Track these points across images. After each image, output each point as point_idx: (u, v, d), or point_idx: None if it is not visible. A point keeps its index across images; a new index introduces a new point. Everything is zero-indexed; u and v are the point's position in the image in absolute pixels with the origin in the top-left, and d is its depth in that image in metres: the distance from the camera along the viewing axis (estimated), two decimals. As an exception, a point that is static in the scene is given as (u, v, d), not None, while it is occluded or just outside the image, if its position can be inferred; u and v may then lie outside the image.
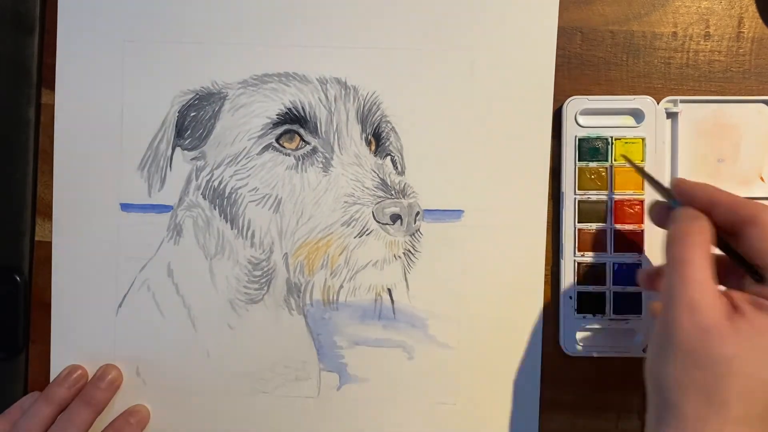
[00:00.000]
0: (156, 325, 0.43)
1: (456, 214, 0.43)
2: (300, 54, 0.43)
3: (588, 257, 0.43)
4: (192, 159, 0.43)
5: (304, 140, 0.42)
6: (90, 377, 0.43)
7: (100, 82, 0.43)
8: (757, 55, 0.44)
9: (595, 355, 0.43)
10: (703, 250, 0.30)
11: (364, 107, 0.43)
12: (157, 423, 0.44)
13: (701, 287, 0.29)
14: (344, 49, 0.43)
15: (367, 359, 0.43)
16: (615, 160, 0.43)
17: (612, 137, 0.43)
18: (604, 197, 0.43)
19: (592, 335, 0.43)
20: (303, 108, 0.42)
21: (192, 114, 0.43)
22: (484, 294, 0.43)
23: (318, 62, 0.43)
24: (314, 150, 0.42)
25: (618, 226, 0.43)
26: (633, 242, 0.43)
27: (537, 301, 0.43)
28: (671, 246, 0.31)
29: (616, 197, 0.43)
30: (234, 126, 0.43)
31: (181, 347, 0.43)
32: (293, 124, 0.42)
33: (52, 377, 0.43)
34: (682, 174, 0.43)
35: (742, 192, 0.43)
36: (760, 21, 0.44)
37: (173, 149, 0.43)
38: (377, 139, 0.43)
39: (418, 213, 0.42)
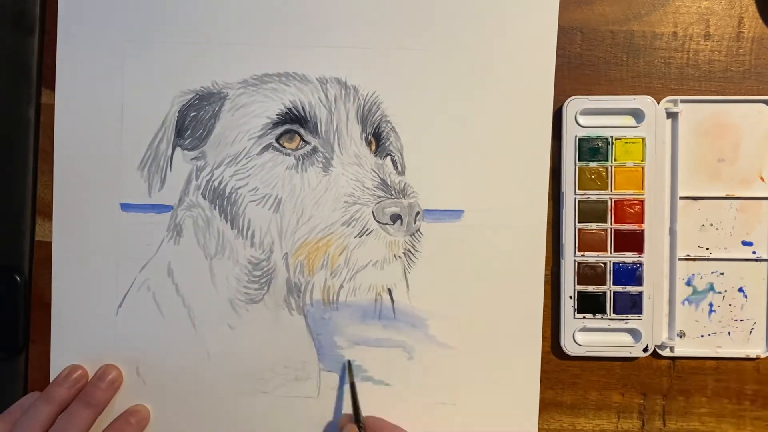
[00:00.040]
0: (156, 325, 0.43)
1: (456, 214, 0.43)
2: (300, 54, 0.43)
3: (588, 257, 0.43)
4: (192, 159, 0.43)
5: (304, 140, 0.42)
6: (90, 377, 0.43)
7: (100, 82, 0.43)
8: (757, 55, 0.44)
9: (595, 355, 0.43)
10: None
11: (364, 107, 0.43)
12: (158, 423, 0.44)
13: None
14: (344, 49, 0.43)
15: (367, 359, 0.43)
16: (615, 160, 0.43)
17: (612, 137, 0.43)
18: (604, 197, 0.43)
19: (592, 335, 0.43)
20: (303, 108, 0.42)
21: (192, 114, 0.43)
22: (484, 294, 0.43)
23: (318, 62, 0.43)
24: (314, 150, 0.42)
25: (618, 226, 0.43)
26: (633, 242, 0.43)
27: (537, 301, 0.43)
28: None
29: (616, 197, 0.43)
30: (234, 126, 0.43)
31: (181, 347, 0.43)
32: (293, 124, 0.42)
33: (52, 377, 0.43)
34: (682, 174, 0.43)
35: (742, 192, 0.43)
36: (760, 21, 0.44)
37: (173, 149, 0.43)
38: (377, 139, 0.43)
39: (418, 213, 0.42)
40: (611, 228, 0.43)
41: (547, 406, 0.44)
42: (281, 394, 0.43)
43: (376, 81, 0.43)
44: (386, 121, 0.43)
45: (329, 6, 0.43)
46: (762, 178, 0.43)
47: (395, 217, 0.42)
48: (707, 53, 0.44)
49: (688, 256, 0.43)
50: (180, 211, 0.43)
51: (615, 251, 0.43)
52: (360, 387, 0.43)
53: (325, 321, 0.43)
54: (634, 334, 0.43)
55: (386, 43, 0.43)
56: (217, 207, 0.43)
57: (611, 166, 0.43)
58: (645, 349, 0.43)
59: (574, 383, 0.44)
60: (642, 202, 0.43)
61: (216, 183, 0.43)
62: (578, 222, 0.43)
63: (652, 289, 0.43)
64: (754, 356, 0.43)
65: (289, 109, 0.42)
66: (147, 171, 0.43)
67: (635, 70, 0.44)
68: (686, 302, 0.43)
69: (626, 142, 0.43)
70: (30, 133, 0.44)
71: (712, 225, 0.43)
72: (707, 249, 0.43)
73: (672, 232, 0.43)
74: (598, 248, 0.43)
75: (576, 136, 0.43)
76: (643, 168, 0.43)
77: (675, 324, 0.43)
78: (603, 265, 0.43)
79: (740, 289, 0.43)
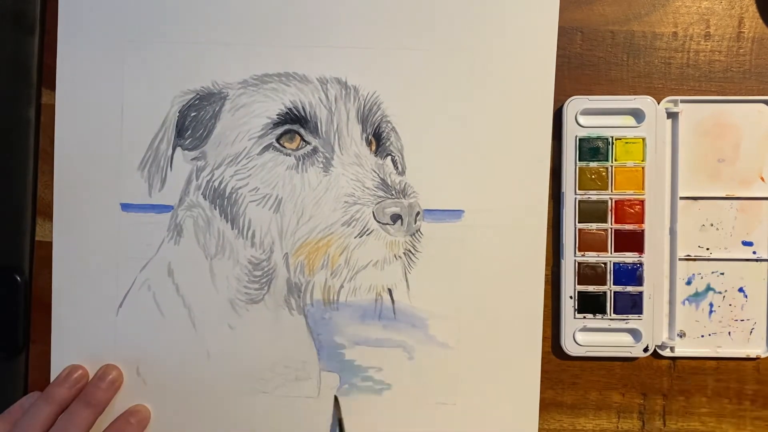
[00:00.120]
0: (156, 325, 0.43)
1: (456, 214, 0.43)
2: (300, 54, 0.43)
3: (588, 257, 0.43)
4: (192, 159, 0.43)
5: (304, 140, 0.42)
6: (90, 377, 0.43)
7: (100, 82, 0.43)
8: (757, 55, 0.44)
9: (595, 355, 0.43)
10: None
11: (364, 107, 0.43)
12: (158, 423, 0.44)
13: None
14: (344, 49, 0.43)
15: (367, 359, 0.43)
16: (615, 160, 0.43)
17: (612, 137, 0.43)
18: (604, 197, 0.43)
19: (592, 335, 0.43)
20: (303, 108, 0.42)
21: (192, 114, 0.43)
22: (484, 294, 0.43)
23: (318, 62, 0.43)
24: (315, 150, 0.42)
25: (618, 226, 0.43)
26: (633, 242, 0.43)
27: (537, 301, 0.43)
28: None
29: (617, 197, 0.43)
30: (234, 126, 0.43)
31: (181, 347, 0.43)
32: (294, 124, 0.42)
33: (52, 377, 0.43)
34: (682, 174, 0.43)
35: (742, 192, 0.43)
36: (761, 21, 0.44)
37: (174, 149, 0.43)
38: (378, 139, 0.43)
39: (418, 213, 0.42)
40: (611, 228, 0.43)
41: (547, 406, 0.44)
42: (281, 394, 0.43)
43: (377, 81, 0.43)
44: (386, 121, 0.43)
45: (329, 6, 0.43)
46: (762, 178, 0.43)
47: (395, 217, 0.42)
48: (707, 53, 0.44)
49: (688, 256, 0.43)
50: (180, 211, 0.43)
51: (615, 251, 0.43)
52: (360, 387, 0.43)
53: (326, 321, 0.43)
54: (635, 334, 0.43)
55: (386, 43, 0.43)
56: (217, 207, 0.43)
57: (611, 166, 0.43)
58: (645, 349, 0.43)
59: (575, 383, 0.44)
60: (642, 202, 0.43)
61: (216, 183, 0.43)
62: (578, 222, 0.43)
63: (653, 289, 0.43)
64: (754, 356, 0.43)
65: (290, 109, 0.42)
66: (147, 171, 0.43)
67: (635, 70, 0.44)
68: (686, 302, 0.43)
69: (626, 142, 0.43)
70: (30, 133, 0.44)
71: (712, 225, 0.43)
72: (707, 249, 0.43)
73: (672, 232, 0.43)
74: (598, 248, 0.43)
75: (576, 136, 0.43)
76: (643, 168, 0.43)
77: (675, 324, 0.43)
78: (603, 265, 0.43)
79: (740, 289, 0.43)
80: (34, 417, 0.39)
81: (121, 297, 0.43)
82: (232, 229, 0.43)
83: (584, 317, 0.43)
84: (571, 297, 0.43)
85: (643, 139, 0.43)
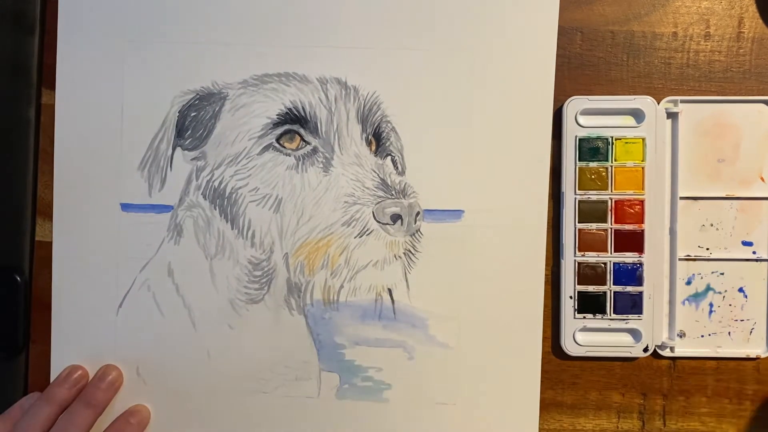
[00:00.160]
0: (156, 325, 0.43)
1: (456, 214, 0.43)
2: (300, 54, 0.43)
3: (588, 257, 0.43)
4: (192, 159, 0.43)
5: (304, 140, 0.42)
6: (90, 377, 0.43)
7: (100, 82, 0.43)
8: (757, 55, 0.44)
9: (595, 355, 0.43)
10: None
11: (364, 107, 0.43)
12: (158, 423, 0.44)
13: None
14: (344, 49, 0.43)
15: (367, 359, 0.43)
16: (615, 160, 0.43)
17: (612, 137, 0.43)
18: (604, 197, 0.43)
19: (592, 335, 0.43)
20: (303, 108, 0.42)
21: (192, 114, 0.43)
22: (484, 294, 0.43)
23: (318, 62, 0.43)
24: (314, 150, 0.42)
25: (618, 226, 0.43)
26: (633, 242, 0.43)
27: (537, 301, 0.43)
28: None
29: (617, 197, 0.43)
30: (234, 126, 0.43)
31: (181, 347, 0.43)
32: (293, 124, 0.42)
33: (52, 377, 0.43)
34: (682, 174, 0.43)
35: (742, 192, 0.43)
36: (761, 21, 0.44)
37: (174, 149, 0.43)
38: (377, 139, 0.43)
39: (418, 213, 0.42)
40: (611, 228, 0.43)
41: (547, 406, 0.44)
42: (281, 394, 0.43)
43: (376, 81, 0.43)
44: (386, 121, 0.43)
45: (329, 6, 0.43)
46: (762, 178, 0.43)
47: (395, 217, 0.42)
48: (707, 53, 0.44)
49: (688, 256, 0.43)
50: (180, 211, 0.43)
51: (615, 251, 0.43)
52: (360, 387, 0.43)
53: (326, 321, 0.43)
54: (635, 334, 0.43)
55: (386, 43, 0.43)
56: (217, 207, 0.43)
57: (611, 166, 0.43)
58: (645, 349, 0.43)
59: (575, 383, 0.44)
60: (642, 202, 0.43)
61: (216, 183, 0.43)
62: (578, 222, 0.43)
63: (653, 289, 0.43)
64: (754, 356, 0.43)
65: (290, 109, 0.42)
66: (147, 171, 0.43)
67: (635, 70, 0.44)
68: (686, 302, 0.43)
69: (626, 142, 0.43)
70: (30, 133, 0.44)
71: (712, 225, 0.43)
72: (707, 249, 0.43)
73: (672, 232, 0.43)
74: (598, 248, 0.43)
75: (576, 136, 0.43)
76: (643, 168, 0.43)
77: (675, 324, 0.43)
78: (603, 265, 0.43)
79: (740, 289, 0.43)
80: (34, 417, 0.39)
81: (121, 297, 0.43)
82: (232, 229, 0.43)
83: (584, 317, 0.43)
84: (571, 297, 0.43)
85: (643, 139, 0.43)
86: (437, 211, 0.43)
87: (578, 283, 0.43)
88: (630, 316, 0.43)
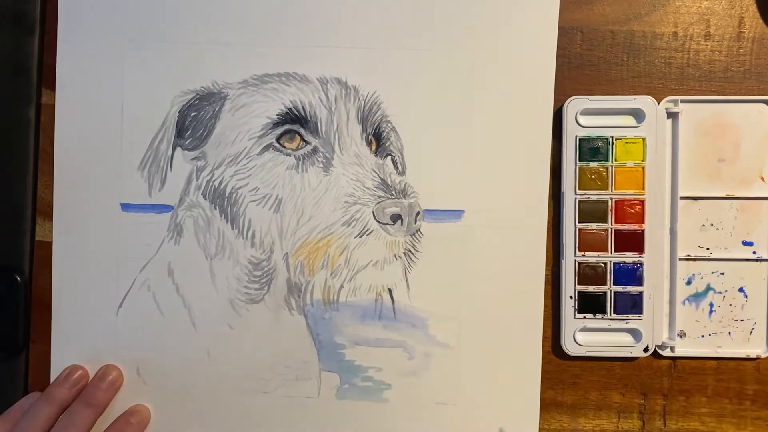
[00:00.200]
0: (156, 325, 0.43)
1: (456, 214, 0.43)
2: (300, 54, 0.43)
3: (588, 257, 0.43)
4: (192, 159, 0.43)
5: (304, 140, 0.42)
6: (90, 377, 0.43)
7: (100, 82, 0.43)
8: (757, 55, 0.44)
9: (595, 355, 0.43)
10: None
11: (364, 107, 0.43)
12: (158, 423, 0.43)
13: None
14: (344, 49, 0.43)
15: (367, 359, 0.43)
16: (616, 160, 0.43)
17: (612, 137, 0.43)
18: (604, 197, 0.43)
19: (592, 335, 0.43)
20: (303, 108, 0.42)
21: (192, 114, 0.43)
22: (484, 294, 0.43)
23: (318, 62, 0.43)
24: (315, 150, 0.42)
25: (618, 226, 0.43)
26: (633, 242, 0.43)
27: (537, 301, 0.43)
28: None
29: (617, 197, 0.43)
30: (234, 126, 0.43)
31: (181, 347, 0.43)
32: (294, 124, 0.42)
33: (52, 377, 0.43)
34: (682, 174, 0.43)
35: (742, 192, 0.43)
36: (761, 21, 0.44)
37: (174, 149, 0.43)
38: (378, 139, 0.43)
39: (418, 213, 0.42)
40: (611, 228, 0.43)
41: (547, 406, 0.44)
42: (281, 394, 0.43)
43: (377, 81, 0.43)
44: (386, 121, 0.43)
45: (329, 6, 0.43)
46: (762, 178, 0.43)
47: (395, 217, 0.42)
48: (707, 53, 0.44)
49: (688, 256, 0.43)
50: (180, 211, 0.43)
51: (615, 251, 0.43)
52: (360, 387, 0.43)
53: (326, 321, 0.43)
54: (635, 334, 0.43)
55: (386, 43, 0.43)
56: (217, 207, 0.43)
57: (611, 166, 0.43)
58: (645, 349, 0.43)
59: (575, 383, 0.44)
60: (642, 202, 0.43)
61: (216, 183, 0.43)
62: (579, 222, 0.43)
63: (653, 289, 0.43)
64: (754, 356, 0.43)
65: (290, 109, 0.42)
66: (147, 171, 0.43)
67: (635, 70, 0.44)
68: (686, 302, 0.43)
69: (626, 142, 0.43)
70: (30, 133, 0.44)
71: (712, 225, 0.43)
72: (707, 249, 0.43)
73: (672, 232, 0.43)
74: (598, 248, 0.43)
75: (576, 136, 0.43)
76: (643, 168, 0.43)
77: (675, 324, 0.43)
78: (603, 265, 0.43)
79: (740, 289, 0.43)
80: (34, 418, 0.39)
81: (121, 297, 0.43)
82: (232, 229, 0.43)
83: (584, 317, 0.43)
84: (571, 297, 0.43)
85: (643, 139, 0.43)
86: (437, 211, 0.43)
87: (578, 283, 0.43)
88: (630, 316, 0.43)
